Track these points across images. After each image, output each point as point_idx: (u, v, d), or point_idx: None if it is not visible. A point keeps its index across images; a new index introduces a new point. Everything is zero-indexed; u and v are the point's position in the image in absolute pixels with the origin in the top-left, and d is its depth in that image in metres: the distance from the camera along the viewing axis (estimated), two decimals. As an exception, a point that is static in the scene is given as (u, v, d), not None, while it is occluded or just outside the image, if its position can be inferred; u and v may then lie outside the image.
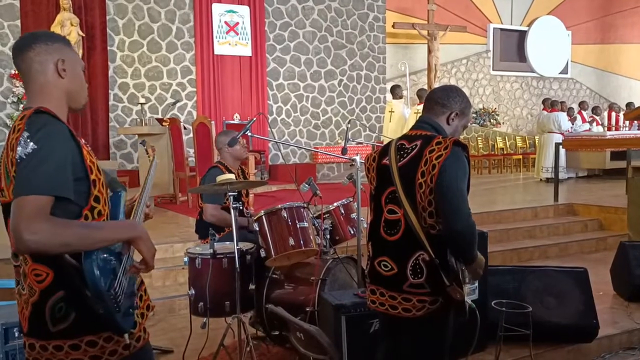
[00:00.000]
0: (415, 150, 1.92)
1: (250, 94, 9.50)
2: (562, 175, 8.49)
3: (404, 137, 2.02)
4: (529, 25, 13.01)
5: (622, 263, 4.05)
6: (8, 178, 1.31)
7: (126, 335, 1.37)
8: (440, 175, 1.82)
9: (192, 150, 7.34)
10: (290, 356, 3.05)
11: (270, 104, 9.75)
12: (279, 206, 3.02)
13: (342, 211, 3.32)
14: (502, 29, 12.79)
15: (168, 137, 7.19)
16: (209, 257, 2.92)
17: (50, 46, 1.40)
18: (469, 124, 11.93)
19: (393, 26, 10.96)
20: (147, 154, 1.69)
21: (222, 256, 2.92)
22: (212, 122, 6.43)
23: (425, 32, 11.25)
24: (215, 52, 9.22)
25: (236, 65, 9.40)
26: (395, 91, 8.69)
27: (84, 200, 1.34)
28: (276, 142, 3.29)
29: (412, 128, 2.03)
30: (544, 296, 3.23)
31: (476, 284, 2.67)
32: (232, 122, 8.97)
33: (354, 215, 3.31)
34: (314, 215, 3.17)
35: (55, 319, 1.33)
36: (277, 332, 3.09)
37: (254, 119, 3.18)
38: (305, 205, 3.06)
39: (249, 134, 3.00)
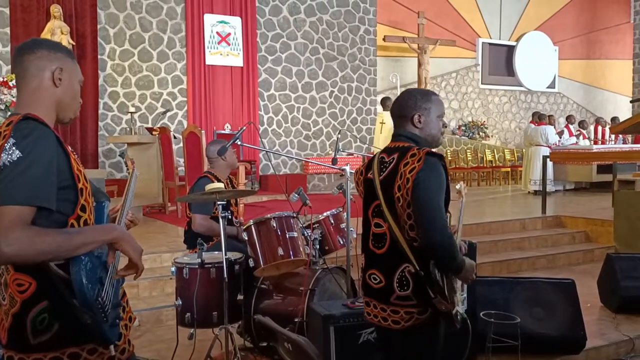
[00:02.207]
0: (392, 164, 1.92)
1: (242, 104, 9.51)
2: (549, 187, 8.56)
3: (385, 149, 2.03)
4: (517, 40, 13.21)
5: (608, 275, 4.07)
6: None
7: (112, 347, 1.35)
8: (414, 189, 1.82)
9: (182, 160, 7.31)
10: (278, 367, 3.01)
11: (261, 115, 9.76)
12: (268, 216, 3.01)
13: (332, 221, 3.31)
14: (490, 44, 12.97)
15: (158, 147, 7.15)
16: (197, 266, 2.90)
17: (53, 54, 1.39)
18: (459, 136, 11.95)
19: (384, 39, 11.07)
20: (126, 166, 1.68)
21: (210, 266, 2.90)
22: (202, 131, 6.42)
23: (415, 46, 11.36)
24: (207, 62, 9.23)
25: (227, 75, 9.42)
26: (386, 103, 8.72)
27: (71, 209, 1.31)
28: (267, 151, 3.28)
29: (392, 140, 2.03)
30: (532, 307, 3.24)
31: (465, 294, 2.68)
32: (223, 132, 8.95)
33: (343, 225, 3.31)
34: (304, 225, 3.16)
35: (36, 330, 1.29)
36: (265, 344, 3.06)
37: (244, 127, 3.19)
38: (295, 215, 3.05)
39: (239, 143, 3.00)
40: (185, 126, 8.64)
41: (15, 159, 1.21)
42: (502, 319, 2.92)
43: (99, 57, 8.47)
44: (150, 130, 7.48)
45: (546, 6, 13.46)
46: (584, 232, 6.29)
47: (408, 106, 1.97)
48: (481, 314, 2.93)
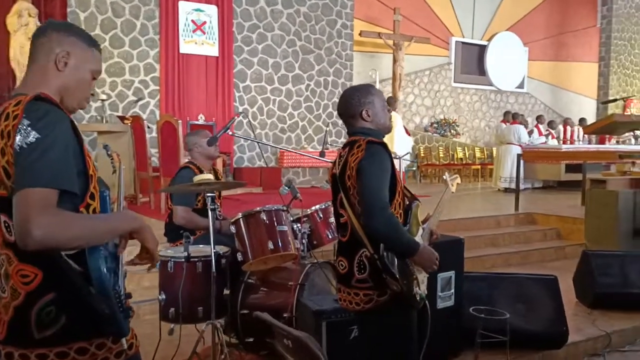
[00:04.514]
0: (344, 157, 2.04)
1: (216, 94, 9.32)
2: (520, 185, 8.75)
3: (344, 145, 2.12)
4: (489, 39, 13.44)
5: (585, 271, 4.18)
6: None
7: (124, 340, 1.28)
8: (357, 176, 1.93)
9: (154, 150, 7.10)
10: (265, 364, 2.96)
11: (236, 106, 9.59)
12: (258, 209, 2.94)
13: (320, 215, 3.27)
14: (463, 43, 13.14)
15: (130, 136, 6.93)
16: (183, 260, 2.80)
17: (65, 38, 1.33)
18: (431, 133, 12.01)
19: (360, 34, 11.05)
20: (112, 159, 1.58)
21: (196, 259, 2.81)
22: (180, 121, 6.24)
23: (390, 42, 11.39)
24: (181, 51, 8.99)
25: (202, 65, 9.20)
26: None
27: (81, 197, 1.24)
28: (259, 142, 3.21)
29: (349, 136, 2.13)
30: (515, 303, 3.29)
31: (453, 290, 2.69)
32: (196, 122, 8.75)
33: (331, 219, 3.26)
34: (292, 219, 3.11)
35: (42, 324, 1.21)
36: (251, 339, 2.99)
37: (235, 118, 3.11)
38: (286, 209, 2.99)
39: (230, 133, 2.91)
40: (158, 115, 8.40)
41: (33, 140, 1.14)
42: (490, 314, 2.94)
43: (67, 41, 8.12)
44: (121, 118, 7.23)
45: (519, 6, 13.70)
46: (555, 230, 6.45)
47: (353, 105, 2.07)
48: (471, 309, 2.94)
